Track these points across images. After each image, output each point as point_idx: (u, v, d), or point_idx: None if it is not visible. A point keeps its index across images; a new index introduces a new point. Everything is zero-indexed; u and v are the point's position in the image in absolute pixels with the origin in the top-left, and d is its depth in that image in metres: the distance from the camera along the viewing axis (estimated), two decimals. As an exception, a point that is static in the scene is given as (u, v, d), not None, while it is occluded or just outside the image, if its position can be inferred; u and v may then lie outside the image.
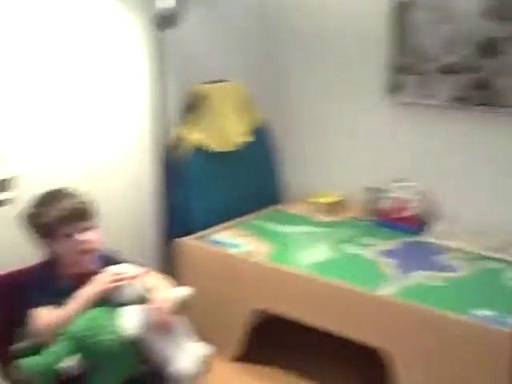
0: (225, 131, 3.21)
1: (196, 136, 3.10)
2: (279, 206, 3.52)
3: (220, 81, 3.25)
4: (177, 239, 3.00)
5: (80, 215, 2.17)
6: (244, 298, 2.81)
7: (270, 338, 3.04)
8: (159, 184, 3.12)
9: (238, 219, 3.25)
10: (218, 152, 3.18)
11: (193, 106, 3.15)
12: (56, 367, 1.96)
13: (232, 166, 3.28)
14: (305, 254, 2.84)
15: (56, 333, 2.02)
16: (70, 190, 2.24)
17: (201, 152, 3.12)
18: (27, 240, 2.23)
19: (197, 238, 3.01)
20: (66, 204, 2.16)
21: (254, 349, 2.90)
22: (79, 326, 1.99)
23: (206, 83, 3.17)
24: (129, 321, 2.02)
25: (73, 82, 2.67)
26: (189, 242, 2.98)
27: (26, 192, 2.37)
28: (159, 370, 2.06)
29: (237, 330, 2.86)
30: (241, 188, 3.32)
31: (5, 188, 2.45)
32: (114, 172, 2.89)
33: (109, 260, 2.26)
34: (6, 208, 2.46)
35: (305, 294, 2.63)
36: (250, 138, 3.33)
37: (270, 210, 3.45)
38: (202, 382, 2.14)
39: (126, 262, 2.26)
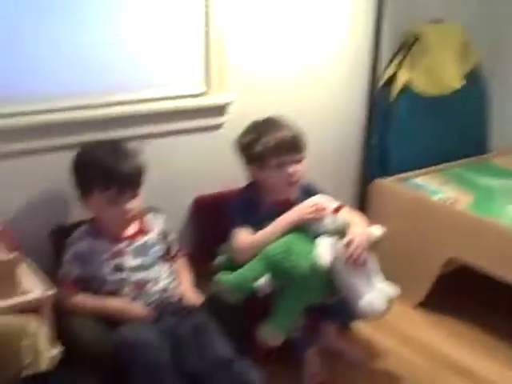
0: (439, 74, 3.10)
1: (408, 77, 3.03)
2: (485, 156, 3.37)
3: (439, 20, 3.12)
4: (376, 179, 2.99)
5: (292, 147, 2.24)
6: (439, 246, 2.74)
7: (456, 287, 2.95)
8: (365, 121, 3.11)
9: (441, 165, 3.16)
10: (429, 95, 3.09)
11: (408, 46, 3.05)
12: (251, 284, 2.08)
13: (441, 110, 3.16)
14: (508, 208, 2.71)
15: (255, 252, 2.14)
16: (283, 120, 2.31)
17: (411, 93, 3.04)
18: (236, 164, 2.36)
19: (396, 180, 2.98)
20: (280, 135, 2.22)
21: (437, 296, 2.83)
22: (277, 248, 2.10)
23: (424, 23, 3.06)
24: (324, 251, 2.08)
25: (293, 9, 2.71)
26: (388, 182, 2.96)
27: (238, 117, 2.50)
28: (346, 303, 2.11)
29: (426, 277, 2.80)
30: (447, 134, 3.21)
31: (220, 113, 2.59)
32: (322, 105, 2.92)
33: (310, 191, 2.33)
34: (220, 131, 2.61)
35: (506, 248, 2.50)
36: (463, 83, 3.19)
37: (476, 159, 3.31)
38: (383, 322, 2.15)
39: (325, 194, 2.32)
